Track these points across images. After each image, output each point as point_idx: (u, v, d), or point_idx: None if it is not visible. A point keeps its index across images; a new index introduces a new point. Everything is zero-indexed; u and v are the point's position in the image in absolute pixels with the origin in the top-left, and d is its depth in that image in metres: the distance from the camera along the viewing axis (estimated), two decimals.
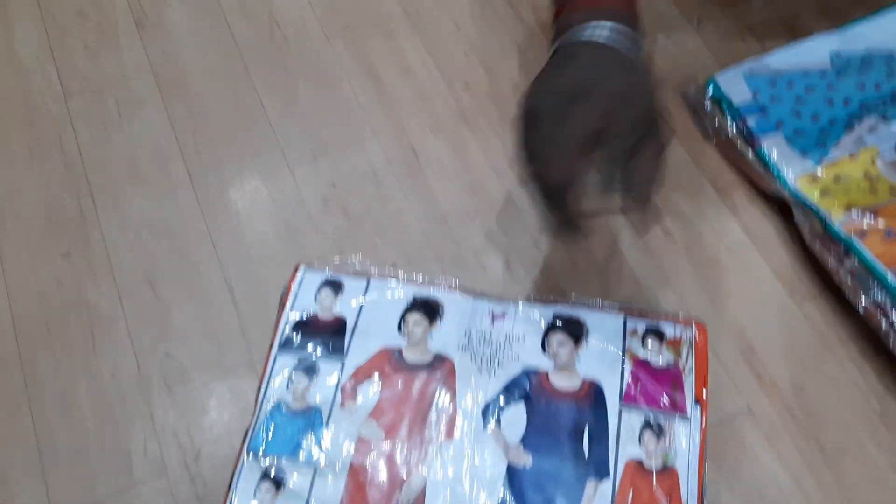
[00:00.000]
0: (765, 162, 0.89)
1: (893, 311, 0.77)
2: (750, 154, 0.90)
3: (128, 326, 0.88)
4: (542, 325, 0.79)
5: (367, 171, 0.97)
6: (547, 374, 0.76)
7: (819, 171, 0.87)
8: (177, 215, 0.94)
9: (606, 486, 0.70)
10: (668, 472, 0.71)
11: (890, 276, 0.78)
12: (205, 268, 0.91)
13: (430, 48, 1.06)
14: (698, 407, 0.75)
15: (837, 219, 0.83)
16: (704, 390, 0.75)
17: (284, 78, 1.04)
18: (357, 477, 0.71)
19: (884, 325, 0.78)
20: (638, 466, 0.71)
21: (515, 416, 0.73)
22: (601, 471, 0.71)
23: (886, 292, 0.77)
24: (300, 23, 1.09)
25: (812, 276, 0.88)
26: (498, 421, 0.73)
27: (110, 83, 1.04)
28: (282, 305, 0.82)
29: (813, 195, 0.86)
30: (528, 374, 0.76)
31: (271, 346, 0.80)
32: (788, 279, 0.88)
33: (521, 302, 0.81)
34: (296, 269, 0.84)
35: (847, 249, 0.81)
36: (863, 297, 0.79)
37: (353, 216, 0.93)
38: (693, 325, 0.79)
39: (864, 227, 0.82)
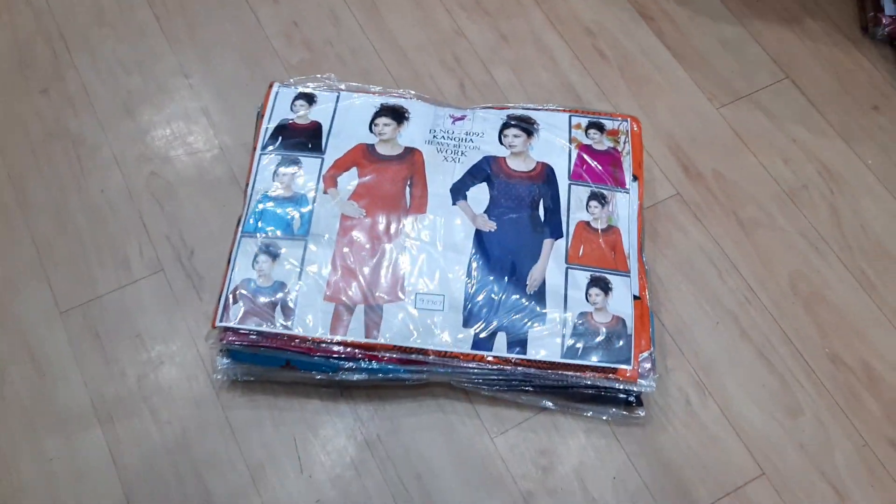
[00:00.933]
0: None
1: None
2: None
3: (112, 150, 0.94)
4: (499, 124, 0.88)
5: (327, 10, 1.04)
6: (505, 159, 0.86)
7: None
8: (147, 54, 1.00)
9: (561, 243, 0.82)
10: (611, 230, 0.83)
11: None
12: (179, 97, 0.97)
13: None
14: (636, 182, 0.86)
15: None
16: (640, 169, 0.87)
17: None
18: (343, 244, 0.80)
19: None
20: (586, 226, 0.83)
21: (479, 193, 0.84)
22: (556, 231, 0.82)
23: None
24: None
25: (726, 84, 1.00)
26: (464, 197, 0.83)
27: None
28: (260, 118, 0.89)
29: None
30: (489, 159, 0.86)
31: (254, 149, 0.87)
32: (709, 88, 1.00)
33: (478, 108, 0.91)
34: (270, 87, 0.91)
35: None
36: None
37: (315, 49, 1.01)
38: (629, 119, 0.90)
39: None
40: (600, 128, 0.89)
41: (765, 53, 1.02)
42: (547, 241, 0.81)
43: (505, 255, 0.80)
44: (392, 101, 0.89)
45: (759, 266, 0.89)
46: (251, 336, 0.76)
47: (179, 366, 0.82)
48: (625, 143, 0.88)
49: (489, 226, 0.82)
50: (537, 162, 0.86)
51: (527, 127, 0.88)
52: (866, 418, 0.81)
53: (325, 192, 0.83)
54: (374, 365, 0.77)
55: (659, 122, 0.97)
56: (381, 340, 0.76)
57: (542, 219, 0.82)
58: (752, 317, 0.86)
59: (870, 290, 0.88)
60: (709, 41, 1.03)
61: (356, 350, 0.76)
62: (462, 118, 0.89)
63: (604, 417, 0.80)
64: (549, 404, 0.80)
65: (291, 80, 0.91)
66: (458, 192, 0.83)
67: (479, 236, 0.81)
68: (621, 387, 0.77)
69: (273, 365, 0.78)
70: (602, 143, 0.88)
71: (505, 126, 0.88)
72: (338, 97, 0.89)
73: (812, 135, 0.97)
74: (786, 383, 0.83)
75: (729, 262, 0.89)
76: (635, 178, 0.86)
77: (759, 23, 1.04)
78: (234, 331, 0.76)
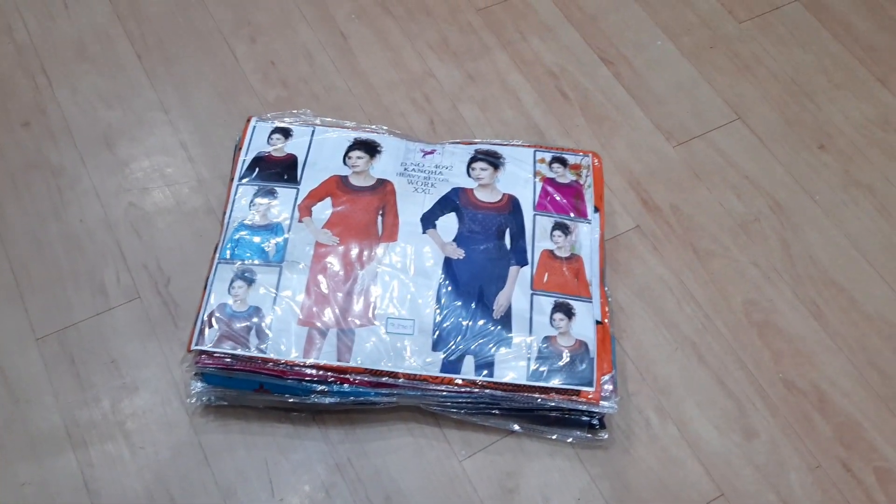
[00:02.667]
0: None
1: None
2: None
3: (91, 181, 0.96)
4: (467, 157, 0.93)
5: (302, 50, 1.09)
6: (472, 191, 0.90)
7: None
8: (127, 88, 1.03)
9: (526, 270, 0.85)
10: (574, 258, 0.87)
11: None
12: (158, 130, 1.00)
13: None
14: (597, 213, 0.91)
15: None
16: (601, 201, 0.91)
17: None
18: (318, 271, 0.83)
19: None
20: (550, 255, 0.87)
21: (448, 222, 0.87)
22: (521, 259, 0.86)
23: None
24: None
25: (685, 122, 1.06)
26: (434, 226, 0.87)
27: None
28: (237, 150, 0.93)
29: None
30: (457, 191, 0.90)
31: (231, 180, 0.90)
32: (665, 127, 1.06)
33: (447, 143, 0.95)
34: (248, 121, 0.95)
35: None
36: None
37: (291, 87, 1.05)
38: (590, 155, 0.95)
39: None
40: (563, 162, 0.93)
41: (717, 96, 1.08)
42: (513, 269, 0.85)
43: (473, 281, 0.84)
44: (365, 135, 0.93)
45: (715, 294, 0.93)
46: (226, 359, 0.78)
47: (153, 391, 0.83)
48: (586, 176, 0.93)
49: (458, 253, 0.85)
50: (503, 194, 0.90)
51: (493, 161, 0.92)
52: (818, 440, 0.85)
53: (300, 221, 0.86)
54: (346, 388, 0.79)
55: (619, 158, 1.02)
56: (352, 363, 0.79)
57: (509, 247, 0.86)
58: (709, 343, 0.90)
59: (819, 318, 0.93)
60: (664, 84, 1.09)
61: (328, 373, 0.79)
62: (432, 152, 0.93)
63: (568, 440, 0.83)
64: (516, 427, 0.83)
65: (268, 115, 0.95)
66: (428, 221, 0.87)
67: (449, 263, 0.84)
68: (585, 408, 0.80)
69: (247, 388, 0.80)
70: (565, 177, 0.92)
71: (473, 160, 0.92)
72: (313, 131, 0.93)
73: (763, 171, 1.02)
74: (742, 406, 0.87)
75: (686, 290, 0.93)
76: (596, 209, 0.91)
77: (711, 68, 1.11)
78: (210, 354, 0.78)
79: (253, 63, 1.06)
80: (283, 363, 0.78)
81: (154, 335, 0.86)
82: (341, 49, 1.08)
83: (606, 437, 0.82)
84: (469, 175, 0.91)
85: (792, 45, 1.14)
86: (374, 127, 0.95)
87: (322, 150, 0.92)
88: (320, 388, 0.79)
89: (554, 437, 0.83)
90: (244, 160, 0.90)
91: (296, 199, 0.87)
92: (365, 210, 0.87)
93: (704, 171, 1.02)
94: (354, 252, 0.84)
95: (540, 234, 0.87)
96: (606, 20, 1.14)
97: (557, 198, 0.90)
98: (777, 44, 1.14)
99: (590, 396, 0.79)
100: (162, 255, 0.91)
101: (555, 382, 0.79)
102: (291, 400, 0.80)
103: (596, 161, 0.94)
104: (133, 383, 0.83)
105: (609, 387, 0.80)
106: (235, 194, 0.88)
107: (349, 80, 1.05)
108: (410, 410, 0.83)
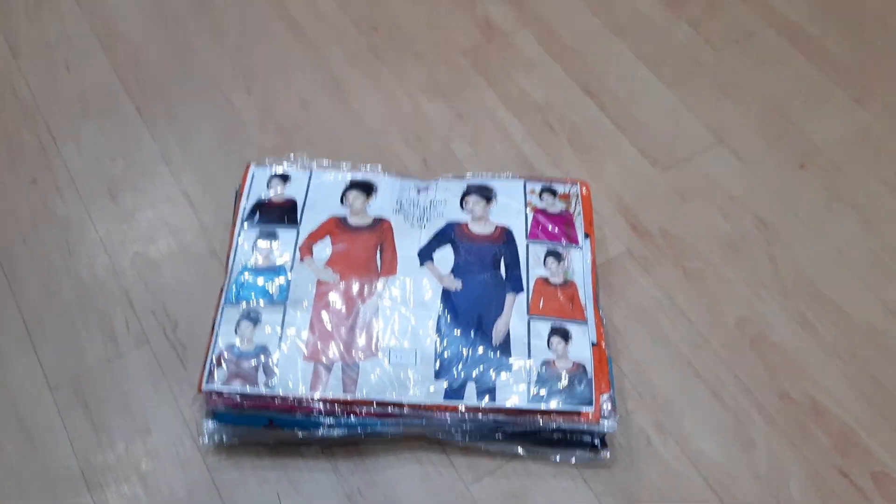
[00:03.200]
0: None
1: None
2: None
3: (98, 233, 1.00)
4: (459, 192, 0.97)
5: (297, 98, 1.13)
6: (467, 224, 0.94)
7: None
8: (130, 142, 1.07)
9: (522, 297, 0.88)
10: (568, 284, 0.90)
11: None
12: (161, 181, 1.04)
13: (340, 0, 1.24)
14: (588, 239, 0.94)
15: None
16: (591, 227, 0.95)
17: (214, 25, 1.19)
18: (320, 308, 0.86)
19: None
20: (545, 282, 0.90)
21: (444, 254, 0.91)
22: (517, 287, 0.89)
23: None
24: None
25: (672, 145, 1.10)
26: (431, 259, 0.90)
27: (55, 42, 1.16)
28: (238, 197, 0.96)
29: None
30: (452, 225, 0.93)
31: (233, 226, 0.94)
32: (650, 153, 1.10)
33: (440, 179, 0.99)
34: (247, 168, 0.98)
35: None
36: None
37: (287, 133, 1.09)
38: (578, 183, 0.99)
39: None
40: (553, 192, 0.97)
41: (698, 121, 1.13)
42: (509, 296, 0.88)
43: (471, 310, 0.87)
44: (361, 176, 0.97)
45: (707, 312, 0.96)
46: (235, 397, 0.81)
47: (166, 432, 0.86)
48: (576, 204, 0.96)
49: (455, 284, 0.88)
50: (496, 225, 0.93)
51: (486, 194, 0.96)
52: (815, 448, 0.88)
53: (301, 261, 0.89)
54: (353, 420, 0.82)
55: (607, 185, 1.06)
56: (358, 396, 0.81)
57: (504, 276, 0.89)
58: (704, 359, 0.93)
59: (809, 330, 0.95)
60: (647, 112, 1.13)
61: (335, 406, 0.81)
62: (426, 189, 0.97)
63: (572, 461, 0.85)
64: (521, 450, 0.85)
65: (267, 161, 0.99)
66: (425, 254, 0.90)
67: (447, 294, 0.87)
68: (586, 428, 0.82)
69: (257, 425, 0.83)
70: (555, 206, 0.96)
71: (465, 194, 0.96)
72: (310, 174, 0.97)
73: (747, 191, 1.06)
74: (739, 419, 0.89)
75: (679, 310, 0.96)
76: (587, 235, 0.94)
77: (692, 95, 1.15)
78: (220, 393, 0.81)
79: (250, 112, 1.10)
80: (291, 398, 0.80)
81: (164, 378, 0.89)
82: (334, 94, 1.13)
83: (609, 455, 0.85)
84: (462, 209, 0.95)
85: (768, 69, 1.19)
86: (369, 167, 0.99)
87: (320, 192, 0.95)
88: (328, 420, 0.81)
89: (557, 458, 0.85)
90: (245, 206, 0.94)
91: (296, 240, 0.91)
92: (364, 247, 0.90)
93: (690, 194, 1.06)
94: (355, 288, 0.87)
95: (534, 261, 0.91)
96: (588, 54, 1.19)
97: (549, 227, 0.94)
98: (753, 69, 1.19)
99: (590, 416, 0.81)
100: (169, 301, 0.94)
101: (555, 404, 0.81)
102: (301, 434, 0.82)
103: (584, 189, 0.98)
104: (146, 425, 0.86)
105: (608, 406, 0.83)
106: (238, 239, 0.91)
107: (343, 124, 1.09)
108: (417, 439, 0.85)
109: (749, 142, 1.11)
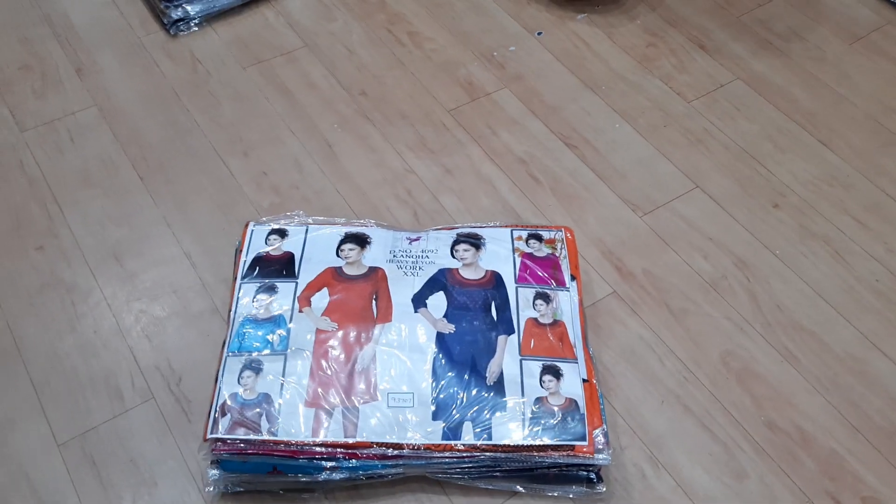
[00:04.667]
0: None
1: None
2: None
3: (103, 294, 1.03)
4: (450, 241, 1.01)
5: (291, 160, 1.19)
6: (457, 270, 0.98)
7: None
8: (132, 208, 1.12)
9: (513, 338, 0.92)
10: (557, 324, 0.94)
11: None
12: (162, 243, 1.08)
13: (330, 67, 1.31)
14: (574, 281, 0.98)
15: None
16: (577, 269, 0.99)
17: (210, 99, 1.26)
18: (320, 355, 0.89)
19: None
20: (535, 322, 0.94)
21: (437, 300, 0.95)
22: (508, 328, 0.93)
23: None
24: (218, 59, 1.32)
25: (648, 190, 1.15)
26: (424, 304, 0.94)
27: (60, 117, 1.22)
28: (238, 253, 1.01)
29: None
30: (443, 271, 0.98)
31: (234, 280, 0.98)
32: (630, 200, 1.15)
33: (430, 230, 1.04)
34: (246, 226, 1.03)
35: None
36: None
37: (283, 193, 1.14)
38: (563, 229, 1.04)
39: None
40: (539, 238, 1.02)
41: (675, 168, 1.18)
42: (501, 338, 0.92)
43: (465, 352, 0.90)
44: (355, 229, 1.02)
45: (693, 348, 1.00)
46: (240, 444, 0.83)
47: (172, 484, 0.88)
48: (561, 248, 1.01)
49: (448, 328, 0.92)
50: (486, 270, 0.98)
51: (475, 242, 1.01)
52: (805, 476, 0.90)
53: (300, 312, 0.93)
54: (354, 463, 0.84)
55: (590, 231, 1.11)
56: (359, 439, 0.84)
57: (495, 318, 0.93)
58: (692, 393, 0.96)
59: (792, 362, 0.99)
60: (626, 161, 1.19)
61: (337, 449, 0.84)
62: (417, 239, 1.01)
63: (569, 496, 0.88)
64: (519, 488, 0.88)
65: (265, 219, 1.03)
66: (419, 301, 0.94)
67: (441, 338, 0.91)
68: (581, 462, 0.85)
69: (261, 471, 0.85)
70: (541, 251, 1.00)
71: (455, 242, 1.00)
72: (307, 230, 1.02)
73: (724, 232, 1.11)
74: (729, 450, 0.92)
75: (666, 347, 1.00)
76: (573, 277, 0.98)
77: (667, 144, 1.21)
78: (224, 441, 0.83)
79: (247, 175, 1.15)
80: (293, 444, 0.83)
81: (169, 431, 0.91)
82: (327, 155, 1.18)
83: (605, 489, 0.87)
84: (453, 256, 0.99)
85: (738, 117, 1.25)
86: (362, 221, 1.04)
87: (316, 245, 1.00)
88: (330, 464, 0.84)
89: (555, 494, 0.87)
90: (245, 261, 0.98)
91: (295, 291, 0.95)
92: (360, 296, 0.94)
93: (671, 237, 1.11)
94: (353, 335, 0.91)
95: (523, 304, 0.95)
96: (567, 110, 1.26)
97: (536, 270, 0.98)
98: (724, 117, 1.25)
99: (584, 450, 0.84)
100: (172, 356, 0.97)
101: (550, 440, 0.84)
102: (304, 479, 0.84)
103: (568, 234, 1.03)
104: (152, 479, 0.88)
105: (601, 439, 0.86)
106: (239, 292, 0.95)
107: (336, 183, 1.15)
108: (417, 480, 0.88)
109: (724, 185, 1.17)
